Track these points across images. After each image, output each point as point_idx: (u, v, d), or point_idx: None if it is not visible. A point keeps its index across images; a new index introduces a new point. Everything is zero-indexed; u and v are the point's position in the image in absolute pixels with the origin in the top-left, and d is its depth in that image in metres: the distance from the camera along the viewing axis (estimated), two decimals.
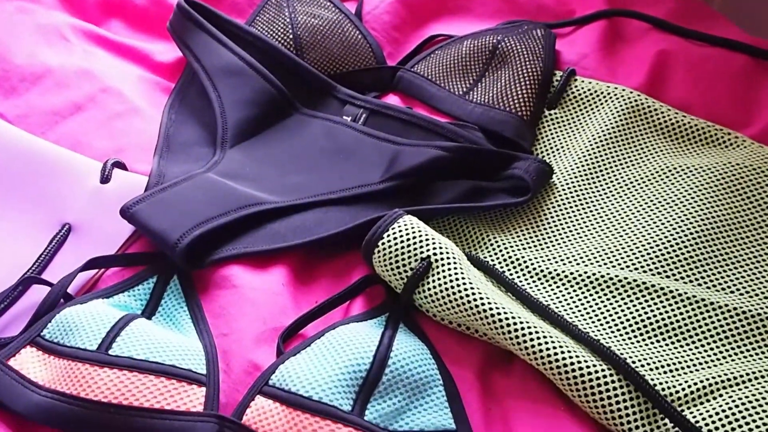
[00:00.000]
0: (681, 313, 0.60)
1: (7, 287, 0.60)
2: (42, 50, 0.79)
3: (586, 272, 0.63)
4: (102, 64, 0.80)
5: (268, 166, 0.71)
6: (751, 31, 0.84)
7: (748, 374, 0.56)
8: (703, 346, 0.59)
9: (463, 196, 0.67)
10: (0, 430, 0.51)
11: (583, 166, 0.71)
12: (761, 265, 0.64)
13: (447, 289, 0.58)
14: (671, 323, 0.60)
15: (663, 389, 0.55)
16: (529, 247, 0.66)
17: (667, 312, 0.60)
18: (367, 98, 0.77)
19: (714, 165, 0.70)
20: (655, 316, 0.60)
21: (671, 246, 0.64)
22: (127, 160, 0.71)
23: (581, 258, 0.65)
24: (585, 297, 0.62)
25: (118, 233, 0.65)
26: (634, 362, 0.57)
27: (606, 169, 0.72)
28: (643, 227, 0.66)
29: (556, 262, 0.65)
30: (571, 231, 0.67)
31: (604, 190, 0.70)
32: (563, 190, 0.70)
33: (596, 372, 0.54)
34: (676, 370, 0.57)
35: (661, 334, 0.59)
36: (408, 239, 0.60)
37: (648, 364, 0.57)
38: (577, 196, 0.70)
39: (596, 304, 0.61)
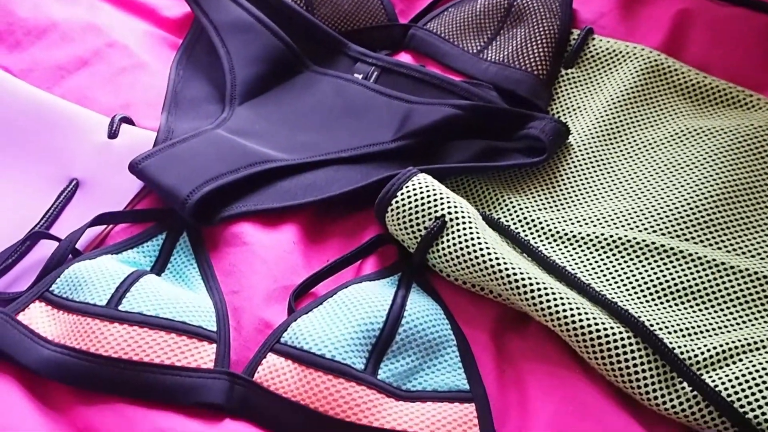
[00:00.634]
0: (700, 277, 0.59)
1: (15, 242, 0.59)
2: (47, 2, 0.78)
3: (603, 234, 0.62)
4: (108, 18, 0.79)
5: (278, 123, 0.70)
6: None
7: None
8: (722, 310, 0.58)
9: (477, 156, 0.66)
10: (9, 385, 0.51)
11: (600, 126, 0.70)
12: None
13: (462, 249, 0.57)
14: (690, 286, 0.59)
15: (681, 353, 0.54)
16: (545, 208, 0.65)
17: (686, 275, 0.59)
18: (378, 56, 0.75)
19: (735, 127, 0.68)
20: (673, 279, 0.59)
21: (690, 208, 0.63)
22: (133, 116, 0.69)
23: (598, 220, 0.64)
24: (602, 259, 0.61)
25: (127, 189, 0.64)
26: (652, 325, 0.56)
27: (624, 130, 0.70)
28: (662, 189, 0.65)
29: (573, 223, 0.64)
30: (587, 192, 0.66)
31: (621, 151, 0.69)
32: (580, 150, 0.68)
33: (614, 334, 0.53)
34: (695, 333, 0.56)
35: (680, 297, 0.58)
36: (422, 197, 0.59)
37: (666, 327, 0.56)
38: (594, 157, 0.68)
39: (613, 266, 0.60)
